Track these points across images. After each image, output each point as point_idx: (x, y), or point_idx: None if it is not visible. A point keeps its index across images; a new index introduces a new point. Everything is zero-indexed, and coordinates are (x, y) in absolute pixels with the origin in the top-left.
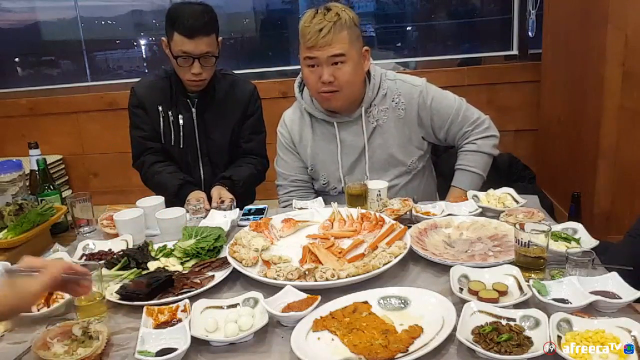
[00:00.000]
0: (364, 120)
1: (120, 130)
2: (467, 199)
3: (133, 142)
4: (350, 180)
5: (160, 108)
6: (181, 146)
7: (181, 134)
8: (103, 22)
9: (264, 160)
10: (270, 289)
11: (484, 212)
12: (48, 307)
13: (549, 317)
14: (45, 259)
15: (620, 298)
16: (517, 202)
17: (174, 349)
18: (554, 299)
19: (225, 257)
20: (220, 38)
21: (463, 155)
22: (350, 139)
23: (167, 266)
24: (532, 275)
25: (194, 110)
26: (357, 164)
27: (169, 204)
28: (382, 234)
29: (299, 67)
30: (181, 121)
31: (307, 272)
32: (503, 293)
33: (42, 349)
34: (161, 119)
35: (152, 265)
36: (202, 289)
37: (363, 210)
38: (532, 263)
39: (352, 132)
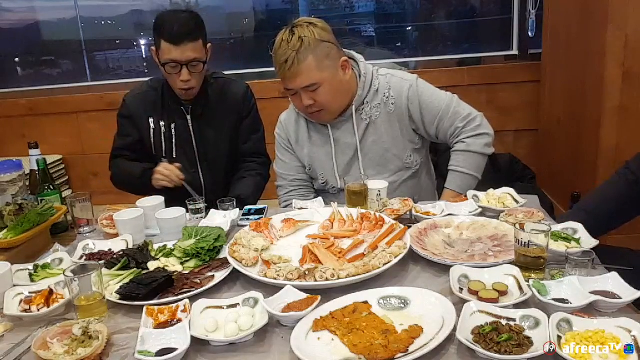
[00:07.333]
0: (354, 119)
1: None
2: (462, 200)
3: (114, 145)
4: (347, 179)
5: (151, 120)
6: (174, 156)
7: (174, 142)
8: (103, 22)
9: (264, 159)
10: (270, 289)
11: (484, 212)
12: (48, 307)
13: (549, 317)
14: None
15: (620, 298)
16: (517, 202)
17: (174, 349)
18: (554, 299)
19: (225, 257)
20: (209, 44)
21: (454, 156)
22: (344, 139)
23: (167, 266)
24: (532, 275)
25: (189, 117)
26: (352, 162)
27: (169, 204)
28: (382, 234)
29: None
30: (173, 130)
31: (307, 272)
32: (503, 293)
33: (42, 349)
34: (152, 131)
35: (152, 265)
36: (202, 289)
37: (363, 210)
38: (532, 263)
39: (345, 132)
